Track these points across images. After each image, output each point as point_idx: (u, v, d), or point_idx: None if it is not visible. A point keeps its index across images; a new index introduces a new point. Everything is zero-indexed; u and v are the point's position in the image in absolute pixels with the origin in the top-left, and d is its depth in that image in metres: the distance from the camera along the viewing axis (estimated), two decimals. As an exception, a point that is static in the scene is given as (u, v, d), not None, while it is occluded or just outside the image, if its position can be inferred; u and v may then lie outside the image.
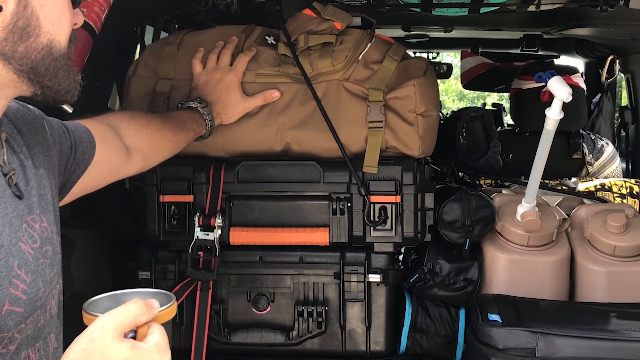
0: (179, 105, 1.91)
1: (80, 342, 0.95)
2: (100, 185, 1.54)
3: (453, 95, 12.85)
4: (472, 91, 8.61)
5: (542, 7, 2.64)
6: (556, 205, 2.34)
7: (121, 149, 1.59)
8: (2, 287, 1.03)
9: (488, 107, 4.88)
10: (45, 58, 1.11)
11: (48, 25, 1.10)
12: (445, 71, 4.66)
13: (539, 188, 2.56)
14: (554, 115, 1.91)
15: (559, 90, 1.86)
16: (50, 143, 1.30)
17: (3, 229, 1.05)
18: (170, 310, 1.00)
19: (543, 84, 1.99)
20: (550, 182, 2.88)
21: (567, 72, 3.19)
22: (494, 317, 1.83)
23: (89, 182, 1.45)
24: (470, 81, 4.06)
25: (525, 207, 2.07)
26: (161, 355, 0.97)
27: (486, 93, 7.32)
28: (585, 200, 2.47)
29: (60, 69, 1.13)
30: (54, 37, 1.12)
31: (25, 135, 1.23)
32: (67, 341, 1.03)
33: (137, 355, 0.94)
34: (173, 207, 2.06)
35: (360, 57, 2.08)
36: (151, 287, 2.06)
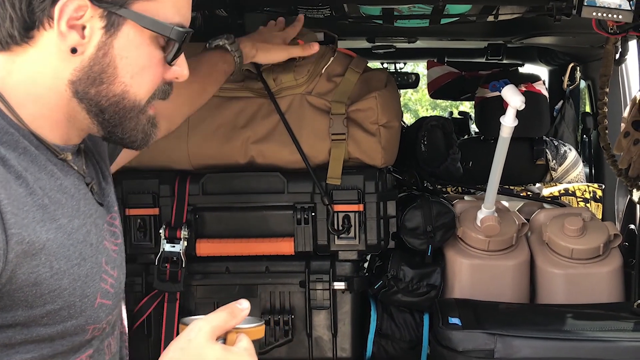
0: (207, 44, 1.84)
1: (177, 343, 1.03)
2: (132, 157, 1.57)
3: (427, 104, 12.95)
4: (445, 101, 8.69)
5: (501, 17, 2.70)
6: (517, 210, 2.40)
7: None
8: (94, 281, 1.11)
9: (455, 115, 4.92)
10: (114, 106, 1.14)
11: (125, 76, 1.13)
12: (413, 81, 4.71)
13: (502, 194, 2.63)
14: (508, 122, 1.96)
15: (512, 98, 1.91)
16: (100, 141, 1.34)
17: (91, 229, 1.13)
18: (258, 329, 1.08)
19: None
20: (515, 188, 2.94)
21: (529, 80, 3.25)
22: (454, 320, 1.87)
23: (123, 158, 1.51)
24: (437, 90, 4.12)
25: (484, 212, 2.13)
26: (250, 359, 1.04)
27: (459, 102, 7.41)
28: (545, 205, 2.52)
29: (127, 119, 1.16)
30: (129, 88, 1.14)
31: (92, 143, 1.30)
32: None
33: (228, 356, 1.03)
34: (139, 220, 2.09)
35: (322, 71, 2.13)
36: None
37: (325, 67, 2.12)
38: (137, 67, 1.14)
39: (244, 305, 1.07)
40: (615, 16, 1.92)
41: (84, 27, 1.07)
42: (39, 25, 1.07)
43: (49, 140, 1.11)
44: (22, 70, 1.09)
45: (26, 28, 1.07)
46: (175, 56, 1.17)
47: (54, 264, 1.03)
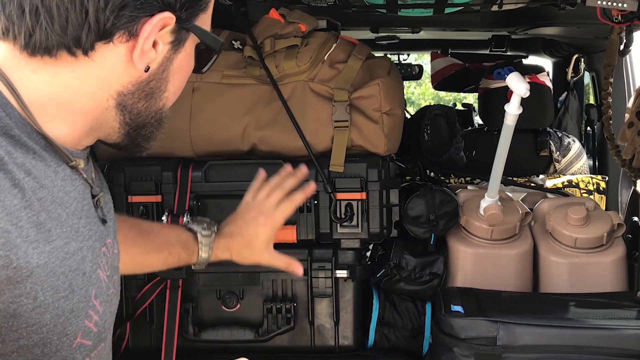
0: (192, 218, 1.65)
1: None
2: None
3: (429, 98, 12.93)
4: (448, 94, 8.68)
5: (505, 7, 2.69)
6: (520, 200, 2.39)
7: None
8: (78, 318, 0.99)
9: (458, 107, 4.92)
10: (153, 119, 1.09)
11: (170, 90, 1.08)
12: (417, 72, 4.71)
13: (506, 184, 2.62)
14: (512, 110, 1.95)
15: (517, 85, 1.90)
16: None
17: (87, 254, 1.01)
18: None
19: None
20: (519, 179, 2.93)
21: (533, 71, 3.24)
22: (457, 308, 1.87)
23: None
24: (441, 82, 4.11)
25: (487, 201, 2.11)
26: None
27: (462, 94, 7.42)
28: (549, 195, 2.52)
29: (157, 130, 1.11)
30: (168, 101, 1.10)
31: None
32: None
33: None
34: (141, 207, 2.08)
35: (325, 58, 2.12)
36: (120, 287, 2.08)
37: (328, 53, 2.12)
38: (182, 80, 1.10)
39: None
40: (620, 5, 1.91)
41: (156, 43, 1.01)
42: (112, 40, 0.97)
43: (60, 142, 1.00)
44: (57, 74, 0.98)
45: (97, 40, 0.97)
46: (210, 66, 1.13)
47: (39, 295, 0.91)
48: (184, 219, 2.01)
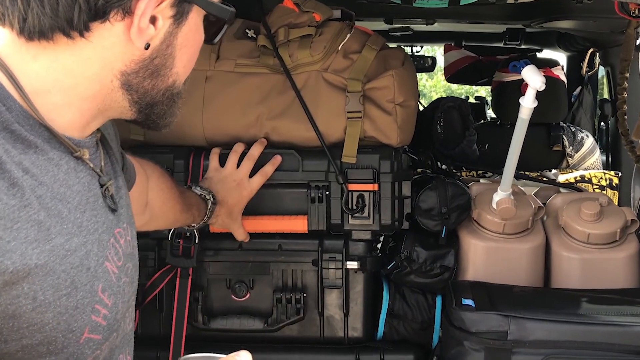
0: (198, 186, 1.86)
1: None
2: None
3: (441, 91, 12.88)
4: (460, 86, 8.65)
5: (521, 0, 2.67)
6: (533, 194, 2.37)
7: (144, 197, 1.54)
8: (84, 314, 0.98)
9: (471, 100, 4.90)
10: (164, 96, 1.08)
11: (179, 66, 1.06)
12: (429, 65, 4.69)
13: (518, 178, 2.61)
14: (527, 103, 1.93)
15: (532, 78, 1.88)
16: (113, 128, 1.26)
17: (92, 248, 1.00)
18: None
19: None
20: (531, 173, 2.92)
21: (548, 65, 3.23)
22: (468, 301, 1.85)
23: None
24: (454, 75, 4.09)
25: (500, 195, 2.10)
26: None
27: (474, 87, 7.39)
28: (561, 190, 2.50)
29: (171, 108, 1.11)
30: (179, 77, 1.08)
31: (110, 136, 1.20)
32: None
33: None
34: (153, 195, 2.08)
35: (339, 48, 2.11)
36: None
37: (342, 43, 2.10)
38: (191, 54, 1.08)
39: (244, 358, 0.96)
40: (638, -2, 1.88)
41: (155, 19, 0.99)
42: (108, 18, 0.96)
43: (65, 133, 0.99)
44: (57, 59, 0.97)
45: (91, 20, 0.95)
46: (221, 37, 1.12)
47: (39, 295, 0.90)
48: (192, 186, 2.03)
